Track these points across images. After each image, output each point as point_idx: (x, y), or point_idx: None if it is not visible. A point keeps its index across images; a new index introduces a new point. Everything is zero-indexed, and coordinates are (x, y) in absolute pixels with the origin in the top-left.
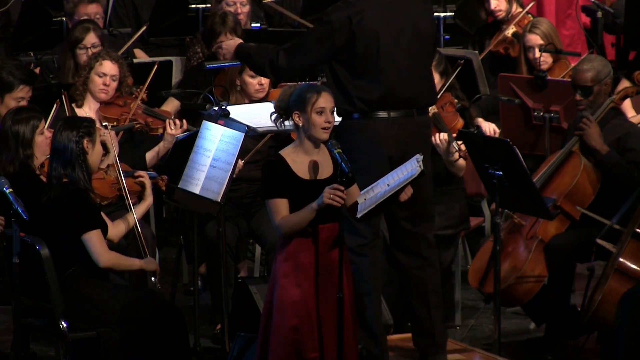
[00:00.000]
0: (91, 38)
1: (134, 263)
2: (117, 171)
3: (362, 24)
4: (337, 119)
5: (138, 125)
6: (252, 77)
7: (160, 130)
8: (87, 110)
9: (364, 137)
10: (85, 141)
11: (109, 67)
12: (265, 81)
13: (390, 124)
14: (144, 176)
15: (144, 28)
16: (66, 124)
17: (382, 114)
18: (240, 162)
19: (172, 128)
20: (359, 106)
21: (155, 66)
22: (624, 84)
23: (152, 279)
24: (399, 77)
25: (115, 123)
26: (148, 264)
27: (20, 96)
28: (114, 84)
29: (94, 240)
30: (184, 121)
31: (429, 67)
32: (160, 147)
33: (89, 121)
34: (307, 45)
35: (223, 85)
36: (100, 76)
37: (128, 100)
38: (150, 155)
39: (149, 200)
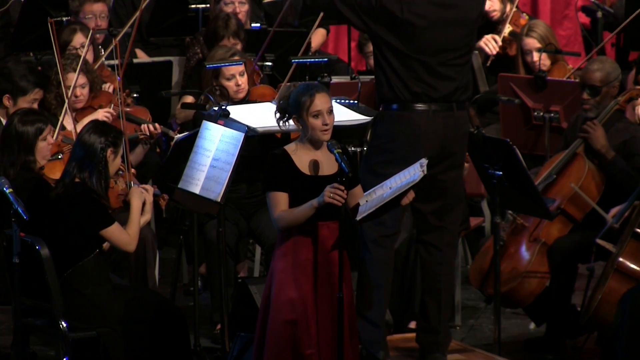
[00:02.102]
0: (79, 38)
1: (137, 213)
2: (128, 182)
3: (412, 11)
4: (338, 119)
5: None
6: (227, 79)
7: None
8: (67, 120)
9: (405, 128)
10: (109, 151)
11: (74, 79)
12: (242, 81)
13: (432, 118)
14: (149, 191)
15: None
16: (96, 127)
17: (423, 107)
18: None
19: (147, 133)
20: (400, 96)
21: (123, 67)
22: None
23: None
24: (444, 70)
25: None
26: (136, 193)
27: (34, 99)
28: (85, 91)
29: (115, 234)
30: (157, 125)
31: (470, 59)
32: (140, 150)
33: (118, 132)
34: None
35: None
36: (69, 89)
37: (102, 103)
38: (132, 157)
39: (147, 216)
